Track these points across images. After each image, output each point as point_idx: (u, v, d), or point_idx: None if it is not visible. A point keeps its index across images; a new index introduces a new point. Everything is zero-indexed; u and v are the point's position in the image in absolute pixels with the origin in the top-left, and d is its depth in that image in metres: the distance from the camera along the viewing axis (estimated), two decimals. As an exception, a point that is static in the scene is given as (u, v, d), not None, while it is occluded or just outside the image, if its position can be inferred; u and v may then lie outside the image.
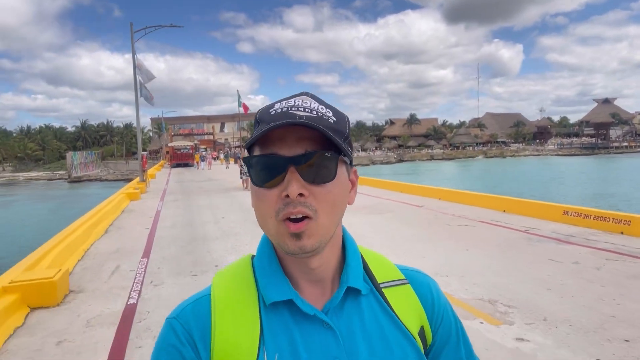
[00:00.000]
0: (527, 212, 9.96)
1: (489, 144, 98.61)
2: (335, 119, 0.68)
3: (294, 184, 0.63)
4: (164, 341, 0.69)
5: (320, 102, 0.70)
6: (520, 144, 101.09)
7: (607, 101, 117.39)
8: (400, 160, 79.90)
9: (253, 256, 0.77)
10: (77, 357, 3.81)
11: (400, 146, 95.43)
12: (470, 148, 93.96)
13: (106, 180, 52.48)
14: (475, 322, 4.23)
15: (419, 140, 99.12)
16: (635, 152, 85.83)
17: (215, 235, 8.89)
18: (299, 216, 0.63)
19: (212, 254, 7.37)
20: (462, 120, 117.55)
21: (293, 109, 0.66)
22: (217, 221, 10.58)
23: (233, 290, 0.70)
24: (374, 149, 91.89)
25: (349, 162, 0.71)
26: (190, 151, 43.09)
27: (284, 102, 0.68)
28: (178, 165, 41.76)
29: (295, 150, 0.64)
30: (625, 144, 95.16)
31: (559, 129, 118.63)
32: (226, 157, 42.28)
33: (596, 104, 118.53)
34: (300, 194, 0.63)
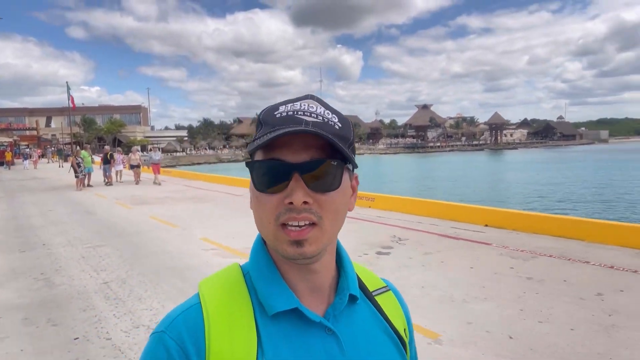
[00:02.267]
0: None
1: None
2: (340, 125, 0.67)
3: (298, 191, 0.62)
4: (152, 357, 0.64)
5: (326, 106, 0.69)
6: (357, 144, 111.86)
7: (425, 107, 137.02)
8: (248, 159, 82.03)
9: (240, 265, 0.75)
10: None
11: (248, 144, 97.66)
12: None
13: None
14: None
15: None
16: (445, 151, 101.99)
17: (42, 224, 9.73)
18: (302, 223, 0.62)
19: (40, 236, 8.39)
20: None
21: (299, 113, 0.65)
22: (44, 214, 11.22)
23: (225, 298, 0.67)
24: (221, 147, 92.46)
25: (352, 169, 0.70)
26: (9, 149, 38.66)
27: (289, 105, 0.67)
28: None
29: (301, 157, 0.63)
30: (439, 144, 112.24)
31: (389, 130, 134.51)
32: (59, 153, 39.00)
33: (417, 109, 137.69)
34: (305, 202, 0.62)
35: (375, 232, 8.36)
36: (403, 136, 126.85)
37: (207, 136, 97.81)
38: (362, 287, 0.77)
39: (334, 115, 0.67)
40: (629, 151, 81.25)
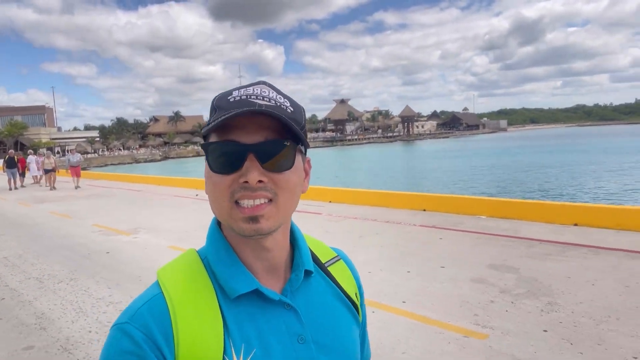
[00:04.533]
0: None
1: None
2: (292, 109, 0.69)
3: (253, 170, 0.63)
4: (117, 350, 0.63)
5: (278, 91, 0.71)
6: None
7: (343, 101, 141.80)
8: (166, 158, 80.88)
9: (196, 250, 0.76)
10: None
11: (166, 143, 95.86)
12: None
13: None
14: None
15: (185, 137, 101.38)
16: (362, 144, 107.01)
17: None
18: (258, 202, 0.64)
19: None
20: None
21: (252, 97, 0.67)
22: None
23: (186, 285, 0.68)
24: (137, 147, 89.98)
25: (304, 152, 0.72)
26: None
27: (242, 90, 0.69)
28: None
29: (255, 138, 0.64)
30: (356, 137, 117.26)
31: (310, 124, 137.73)
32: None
33: (335, 104, 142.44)
34: (260, 181, 0.64)
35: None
36: (323, 130, 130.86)
37: (121, 136, 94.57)
38: (315, 259, 0.80)
39: (286, 100, 0.70)
40: (520, 138, 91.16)
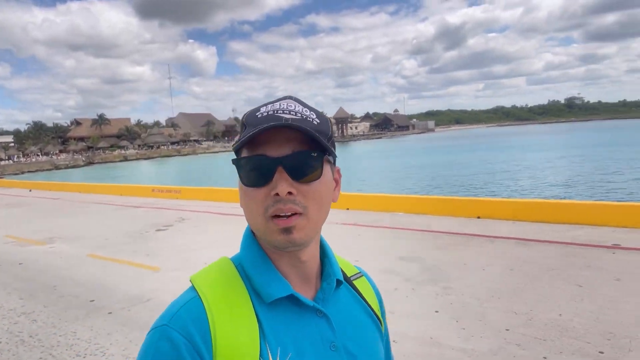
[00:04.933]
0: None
1: (182, 143, 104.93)
2: (318, 121, 0.71)
3: (283, 183, 0.66)
4: (155, 353, 0.64)
5: (304, 105, 0.73)
6: (211, 142, 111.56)
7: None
8: (90, 163, 76.49)
9: (229, 258, 0.78)
10: None
11: (90, 148, 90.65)
12: (164, 147, 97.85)
13: None
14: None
15: (111, 141, 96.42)
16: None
17: None
18: (289, 213, 0.66)
19: None
20: (156, 120, 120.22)
21: (279, 112, 0.69)
22: None
23: (222, 289, 0.70)
24: (57, 152, 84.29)
25: (333, 162, 0.74)
26: None
27: (269, 106, 0.71)
28: None
29: (283, 151, 0.67)
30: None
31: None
32: None
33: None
34: (289, 193, 0.66)
35: (167, 215, 10.37)
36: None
37: (39, 141, 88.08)
38: (342, 273, 0.81)
39: (312, 113, 0.72)
40: (446, 138, 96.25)
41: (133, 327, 4.22)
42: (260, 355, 0.65)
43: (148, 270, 6.15)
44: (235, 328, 0.66)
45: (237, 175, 0.71)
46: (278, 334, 0.68)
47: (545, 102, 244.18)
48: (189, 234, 8.35)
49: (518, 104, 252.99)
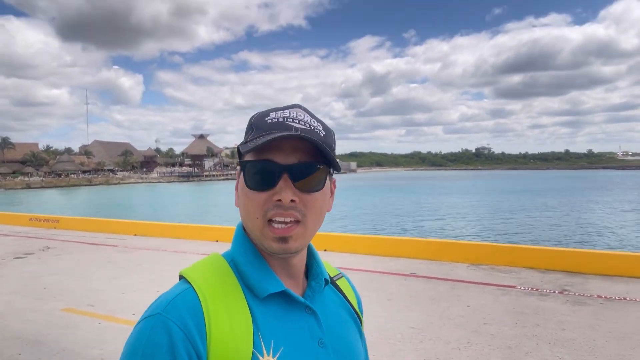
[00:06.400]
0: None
1: (95, 172, 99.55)
2: (324, 133, 0.73)
3: (287, 190, 0.68)
4: (147, 342, 0.62)
5: (312, 115, 0.75)
6: (127, 172, 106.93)
7: (202, 136, 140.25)
8: (-15, 189, 69.98)
9: (220, 254, 0.79)
10: None
11: (240, 145, 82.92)
12: (74, 176, 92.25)
13: None
14: None
15: (14, 167, 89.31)
16: (220, 180, 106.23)
17: None
18: (288, 220, 0.68)
19: None
20: (68, 146, 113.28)
21: (288, 120, 0.71)
22: None
23: (215, 281, 0.70)
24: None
25: (332, 173, 0.76)
26: None
27: (279, 113, 0.73)
28: None
29: (290, 159, 0.69)
30: (214, 173, 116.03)
31: (166, 158, 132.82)
32: None
33: (194, 138, 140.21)
34: (292, 200, 0.68)
35: (33, 244, 10.29)
36: (181, 165, 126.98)
37: None
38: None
39: (319, 124, 0.74)
40: (368, 179, 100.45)
41: None
42: (254, 347, 0.66)
43: (-19, 294, 6.27)
44: (230, 320, 0.66)
45: (237, 176, 0.75)
46: (271, 328, 0.69)
47: (458, 149, 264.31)
48: (46, 262, 8.45)
49: (435, 151, 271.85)
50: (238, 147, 0.73)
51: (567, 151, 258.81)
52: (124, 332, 4.62)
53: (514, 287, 6.27)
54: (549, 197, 39.90)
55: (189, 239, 10.77)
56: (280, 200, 0.67)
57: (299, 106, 0.75)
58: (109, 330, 4.77)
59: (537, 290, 6.09)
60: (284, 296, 0.73)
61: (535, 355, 4.04)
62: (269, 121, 0.71)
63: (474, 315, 5.13)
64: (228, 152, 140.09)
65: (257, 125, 0.72)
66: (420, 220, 24.10)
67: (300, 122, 0.71)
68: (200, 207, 36.81)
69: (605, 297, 5.74)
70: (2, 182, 78.02)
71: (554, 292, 5.99)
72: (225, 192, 55.81)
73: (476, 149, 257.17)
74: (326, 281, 0.80)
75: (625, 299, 5.64)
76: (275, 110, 0.74)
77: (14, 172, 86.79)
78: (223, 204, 36.26)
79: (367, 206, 33.71)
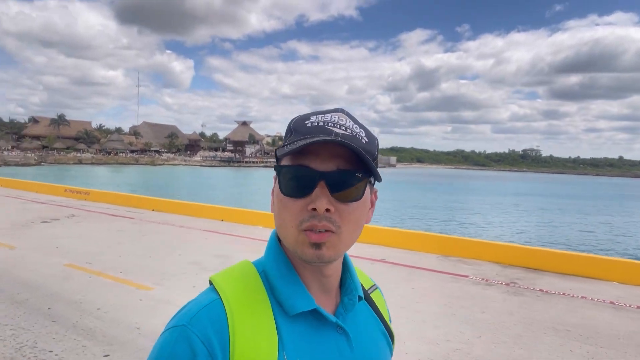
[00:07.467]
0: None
1: (142, 152, 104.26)
2: (367, 140, 0.69)
3: (322, 198, 0.64)
4: (170, 353, 0.62)
5: (355, 121, 0.71)
6: (172, 154, 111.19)
7: (245, 123, 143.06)
8: (41, 163, 75.09)
9: (251, 262, 0.76)
10: None
11: (45, 147, 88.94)
12: (123, 154, 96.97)
13: None
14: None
15: (68, 142, 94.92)
16: (259, 166, 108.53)
17: None
18: (323, 230, 0.65)
19: None
20: (119, 126, 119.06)
21: (329, 124, 0.67)
22: None
23: (245, 295, 0.68)
24: (9, 148, 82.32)
25: (373, 183, 0.72)
26: None
27: (320, 116, 0.69)
28: None
29: (328, 166, 0.65)
30: (254, 159, 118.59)
31: (210, 143, 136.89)
32: None
33: (237, 125, 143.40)
34: (327, 210, 0.64)
35: (61, 211, 11.54)
36: (223, 150, 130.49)
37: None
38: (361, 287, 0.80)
39: (361, 130, 0.70)
40: (407, 174, 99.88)
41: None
42: None
43: (4, 248, 7.38)
44: (256, 337, 0.64)
45: (274, 181, 0.70)
46: (297, 347, 0.67)
47: (505, 150, 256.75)
48: (67, 227, 9.59)
49: (480, 150, 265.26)
50: (275, 151, 0.70)
51: (620, 157, 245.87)
52: (106, 286, 5.51)
53: (467, 276, 6.73)
54: (566, 200, 38.67)
55: (196, 217, 11.72)
56: (315, 209, 0.65)
57: (342, 110, 0.73)
58: (93, 283, 5.66)
59: (486, 280, 6.53)
60: (314, 314, 0.71)
61: (441, 329, 4.56)
62: (309, 125, 0.68)
63: (412, 295, 5.67)
64: (269, 139, 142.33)
65: (296, 128, 0.69)
66: (418, 214, 24.30)
67: (342, 127, 0.68)
68: (237, 193, 38.04)
69: (546, 291, 6.11)
70: (56, 156, 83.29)
71: (501, 283, 6.41)
72: (264, 177, 57.39)
73: (523, 151, 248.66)
74: (360, 298, 0.77)
75: (563, 294, 5.99)
76: (317, 113, 0.71)
77: (67, 148, 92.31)
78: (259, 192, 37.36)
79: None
